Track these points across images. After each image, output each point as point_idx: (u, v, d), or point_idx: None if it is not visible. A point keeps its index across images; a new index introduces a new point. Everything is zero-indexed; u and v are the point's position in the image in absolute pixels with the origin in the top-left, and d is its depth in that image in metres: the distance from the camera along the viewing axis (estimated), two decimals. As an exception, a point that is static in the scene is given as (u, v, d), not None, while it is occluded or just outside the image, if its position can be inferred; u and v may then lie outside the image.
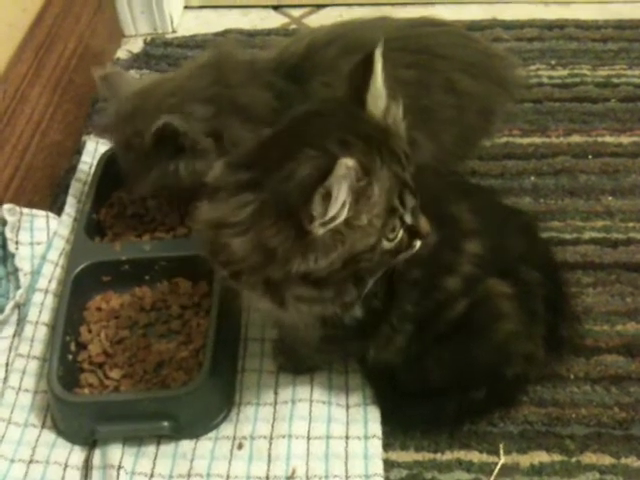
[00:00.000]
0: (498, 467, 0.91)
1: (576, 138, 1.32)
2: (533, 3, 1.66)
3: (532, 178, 1.26)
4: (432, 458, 0.93)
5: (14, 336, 1.06)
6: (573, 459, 0.92)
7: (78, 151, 1.33)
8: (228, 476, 0.91)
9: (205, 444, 0.94)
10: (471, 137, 1.14)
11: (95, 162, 1.23)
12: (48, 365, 0.96)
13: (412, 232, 0.75)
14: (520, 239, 0.93)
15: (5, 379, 1.01)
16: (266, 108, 1.03)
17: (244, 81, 1.05)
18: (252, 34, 1.61)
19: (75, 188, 1.24)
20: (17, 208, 1.13)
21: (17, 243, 1.12)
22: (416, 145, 0.93)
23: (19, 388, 1.00)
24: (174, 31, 1.66)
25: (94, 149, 1.30)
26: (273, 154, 0.71)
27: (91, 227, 1.13)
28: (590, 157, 1.29)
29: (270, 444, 0.93)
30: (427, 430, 0.95)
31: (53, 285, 1.10)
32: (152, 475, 0.92)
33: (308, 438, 0.94)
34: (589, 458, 0.92)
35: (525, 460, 0.92)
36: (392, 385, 0.96)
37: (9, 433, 0.96)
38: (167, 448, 0.94)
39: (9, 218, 1.11)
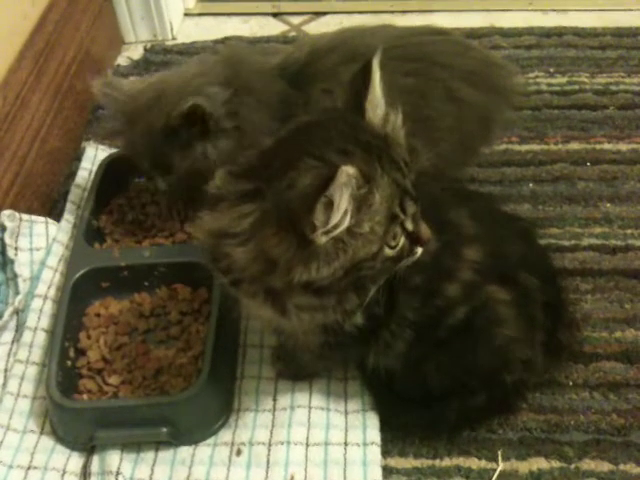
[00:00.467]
0: (497, 474, 0.91)
1: (574, 145, 1.33)
2: (531, 11, 1.67)
3: (531, 185, 1.26)
4: (431, 465, 0.93)
5: (13, 342, 1.06)
6: (572, 466, 0.92)
7: (78, 157, 1.33)
8: (227, 482, 0.91)
9: (204, 450, 0.94)
10: (470, 145, 1.14)
11: (95, 168, 1.23)
12: (47, 371, 0.96)
13: (413, 239, 0.75)
14: (519, 245, 0.93)
15: (4, 385, 1.01)
16: (278, 96, 1.05)
17: (256, 71, 1.07)
18: (252, 41, 1.61)
19: (74, 194, 1.24)
20: (16, 214, 1.13)
21: (16, 249, 1.12)
22: (415, 153, 0.93)
23: (18, 394, 1.00)
24: (174, 38, 1.66)
25: (94, 155, 1.30)
26: (274, 164, 0.71)
27: (90, 233, 1.13)
28: (588, 164, 1.29)
29: (269, 450, 0.93)
30: (426, 437, 0.95)
31: (52, 291, 1.10)
32: (151, 481, 0.92)
33: (307, 444, 0.94)
34: (588, 465, 0.92)
35: (524, 467, 0.92)
36: (391, 392, 0.96)
37: (8, 439, 0.96)
38: (166, 454, 0.94)
39: (8, 224, 1.11)
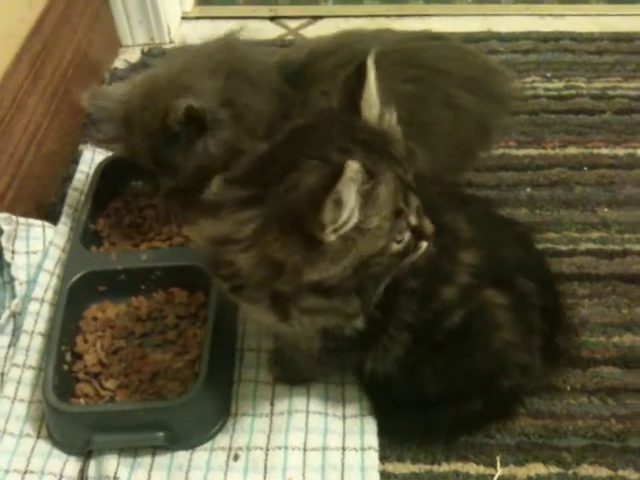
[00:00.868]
0: (495, 479, 0.91)
1: (572, 150, 1.33)
2: (528, 15, 1.67)
3: (528, 189, 1.26)
4: (429, 470, 0.93)
5: (9, 346, 1.06)
6: (570, 471, 0.92)
7: (75, 160, 1.33)
8: (224, 487, 0.91)
9: (201, 455, 0.94)
10: (468, 150, 1.14)
11: (92, 171, 1.23)
12: (43, 375, 0.96)
13: (417, 233, 0.76)
14: (516, 250, 0.93)
15: (0, 389, 1.00)
16: (274, 84, 1.04)
17: (251, 60, 1.07)
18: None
19: (72, 197, 1.24)
20: (13, 217, 1.13)
21: (13, 252, 1.12)
22: (413, 156, 0.93)
23: (14, 398, 0.99)
24: (171, 41, 1.66)
25: (91, 158, 1.30)
26: (272, 169, 0.71)
27: (87, 236, 1.13)
28: (586, 169, 1.30)
29: (266, 455, 0.93)
30: (424, 442, 0.95)
31: (49, 294, 1.09)
32: (147, 486, 0.92)
33: (304, 449, 0.93)
34: (586, 470, 0.92)
35: (522, 472, 0.92)
36: (389, 396, 0.96)
37: (4, 443, 0.95)
38: (163, 459, 0.94)
39: (5, 227, 1.11)
